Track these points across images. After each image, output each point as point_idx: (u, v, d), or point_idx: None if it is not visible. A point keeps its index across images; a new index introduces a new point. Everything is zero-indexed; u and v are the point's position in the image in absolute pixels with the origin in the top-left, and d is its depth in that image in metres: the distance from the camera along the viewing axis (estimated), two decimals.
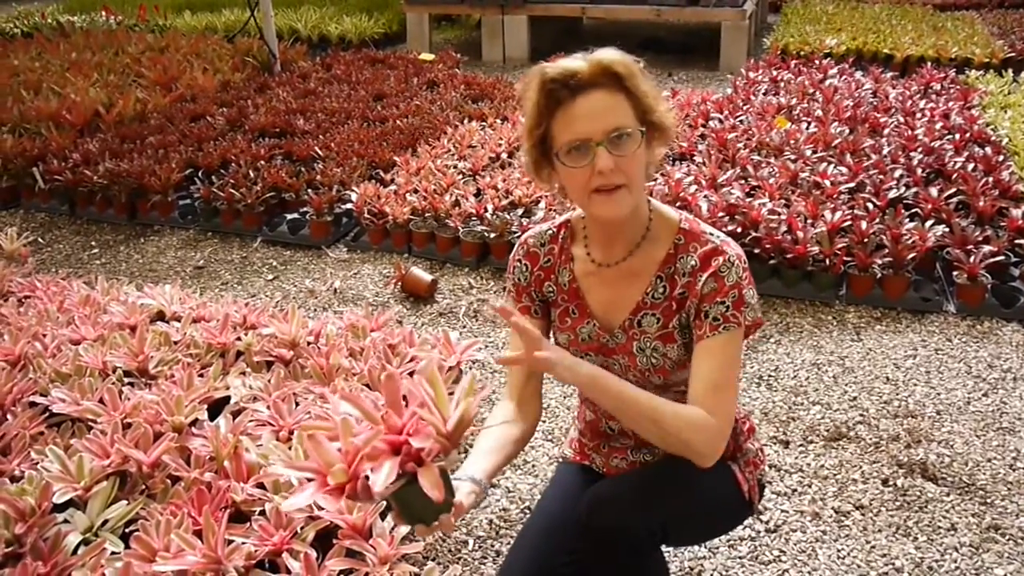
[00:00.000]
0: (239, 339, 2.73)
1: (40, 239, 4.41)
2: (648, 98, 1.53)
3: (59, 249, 4.31)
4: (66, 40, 7.58)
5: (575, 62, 1.50)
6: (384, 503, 1.40)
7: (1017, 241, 3.59)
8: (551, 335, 1.77)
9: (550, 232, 1.73)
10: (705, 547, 2.21)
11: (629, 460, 1.78)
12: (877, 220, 3.61)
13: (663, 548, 1.68)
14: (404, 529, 1.97)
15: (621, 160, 1.48)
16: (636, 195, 1.55)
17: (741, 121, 5.02)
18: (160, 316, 2.97)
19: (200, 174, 4.69)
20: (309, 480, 1.23)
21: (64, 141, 4.97)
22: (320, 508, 1.95)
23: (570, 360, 1.49)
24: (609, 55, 1.50)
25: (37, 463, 2.14)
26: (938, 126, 4.72)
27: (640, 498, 1.53)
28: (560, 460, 1.96)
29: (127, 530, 1.95)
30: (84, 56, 6.83)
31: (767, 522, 2.31)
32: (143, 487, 2.10)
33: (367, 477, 1.19)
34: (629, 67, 1.51)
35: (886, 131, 4.71)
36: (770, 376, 3.00)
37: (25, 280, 3.31)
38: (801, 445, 2.63)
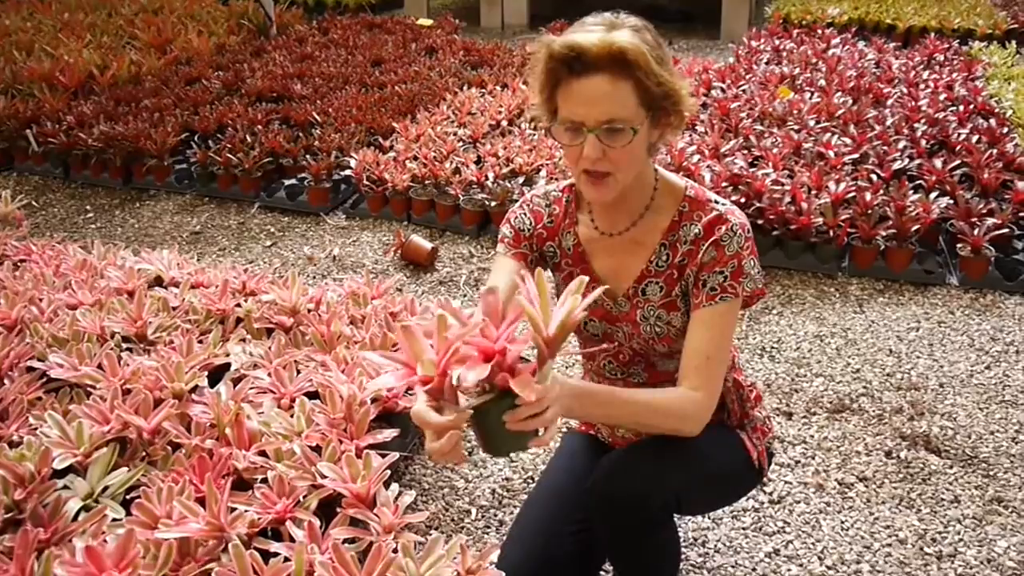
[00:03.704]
0: (239, 306, 2.70)
1: (34, 203, 4.35)
2: (661, 82, 1.44)
3: (53, 213, 4.26)
4: (58, 0, 7.45)
5: (587, 36, 1.41)
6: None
7: (1021, 214, 3.58)
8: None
9: (555, 193, 1.70)
10: (709, 518, 2.21)
11: (635, 430, 1.76)
12: (881, 192, 3.59)
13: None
14: (407, 499, 1.95)
15: (611, 151, 1.44)
16: (625, 180, 1.51)
17: (743, 90, 4.96)
18: (158, 281, 2.94)
19: (196, 138, 4.63)
20: (398, 370, 1.23)
21: (57, 103, 4.89)
22: (323, 476, 1.94)
23: (557, 389, 1.28)
24: (623, 37, 1.41)
25: (36, 428, 2.11)
26: (942, 97, 4.69)
27: (654, 467, 1.51)
28: (566, 430, 1.95)
29: (128, 497, 1.93)
30: (76, 17, 6.72)
31: (771, 493, 2.30)
32: (143, 454, 2.08)
33: (456, 379, 1.16)
34: (641, 53, 1.41)
35: (890, 102, 4.67)
36: (773, 348, 2.98)
37: (20, 244, 3.26)
38: (804, 417, 2.62)
